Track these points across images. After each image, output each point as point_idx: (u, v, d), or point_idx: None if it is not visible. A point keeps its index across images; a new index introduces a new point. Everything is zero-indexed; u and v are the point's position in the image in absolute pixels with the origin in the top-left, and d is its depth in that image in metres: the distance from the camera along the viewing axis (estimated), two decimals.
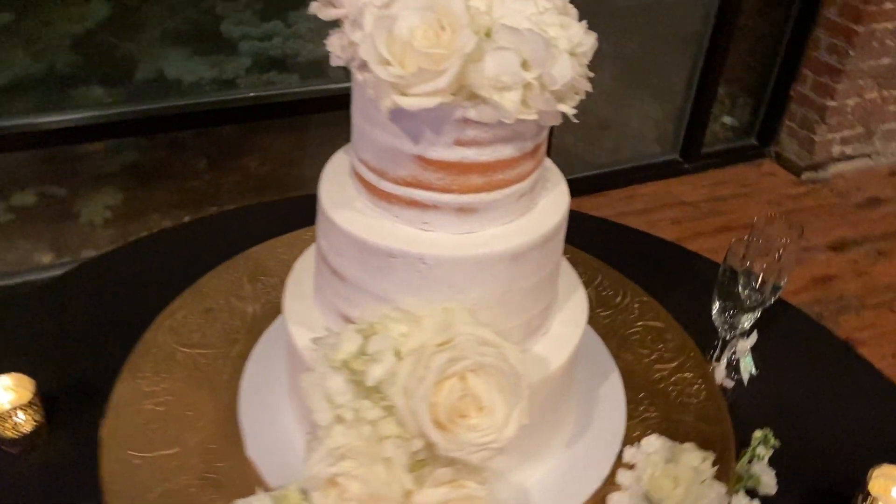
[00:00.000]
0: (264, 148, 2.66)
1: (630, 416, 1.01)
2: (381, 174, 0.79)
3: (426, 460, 0.78)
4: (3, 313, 1.23)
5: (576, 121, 0.77)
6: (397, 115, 0.74)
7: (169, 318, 1.10)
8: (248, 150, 2.65)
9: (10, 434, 0.98)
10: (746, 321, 1.23)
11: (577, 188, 2.82)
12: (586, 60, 0.75)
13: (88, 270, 1.32)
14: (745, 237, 1.22)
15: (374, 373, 0.76)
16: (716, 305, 1.23)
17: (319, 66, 2.47)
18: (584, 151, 2.97)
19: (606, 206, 2.81)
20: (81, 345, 1.14)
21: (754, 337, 1.19)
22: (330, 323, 0.87)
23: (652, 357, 1.11)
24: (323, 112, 2.46)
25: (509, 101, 0.71)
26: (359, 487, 0.77)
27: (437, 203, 0.78)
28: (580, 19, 0.76)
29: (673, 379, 1.07)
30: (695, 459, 0.89)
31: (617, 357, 1.09)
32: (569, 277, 0.98)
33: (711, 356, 1.24)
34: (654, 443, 0.92)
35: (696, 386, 1.06)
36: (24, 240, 2.43)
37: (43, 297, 1.25)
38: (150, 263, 1.30)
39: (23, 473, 0.98)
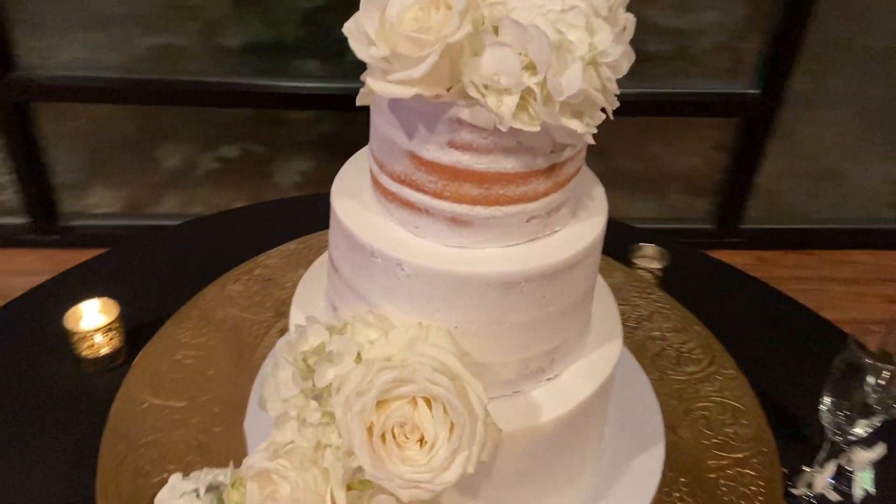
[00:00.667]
0: None
1: (660, 501, 0.87)
2: (381, 166, 0.73)
3: (370, 482, 0.72)
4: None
5: (592, 142, 0.66)
6: (395, 104, 0.68)
7: (232, 280, 1.12)
8: None
9: (87, 354, 1.05)
10: (862, 428, 1.01)
11: (780, 240, 2.55)
12: (614, 74, 0.64)
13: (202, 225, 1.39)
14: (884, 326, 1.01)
15: (326, 374, 0.71)
16: (826, 401, 1.02)
17: None
18: (798, 200, 2.65)
19: (809, 266, 2.50)
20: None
21: (881, 450, 0.99)
22: (325, 314, 0.83)
23: (715, 440, 0.94)
24: None
25: (504, 105, 0.62)
26: (288, 491, 0.72)
27: (428, 208, 0.70)
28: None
29: (730, 472, 0.90)
30: None
31: (672, 430, 0.94)
32: (606, 321, 0.86)
33: (813, 459, 1.04)
34: None
35: (754, 488, 0.89)
36: (227, 189, 2.64)
37: (159, 240, 1.34)
38: (247, 230, 1.34)
39: (95, 395, 1.01)
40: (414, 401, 0.68)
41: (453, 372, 0.69)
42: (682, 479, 0.89)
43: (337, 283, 0.79)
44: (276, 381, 0.73)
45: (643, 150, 2.76)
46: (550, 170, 0.70)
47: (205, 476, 0.81)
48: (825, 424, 1.03)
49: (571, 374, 0.80)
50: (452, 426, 0.68)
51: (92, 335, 1.04)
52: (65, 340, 1.04)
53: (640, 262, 1.33)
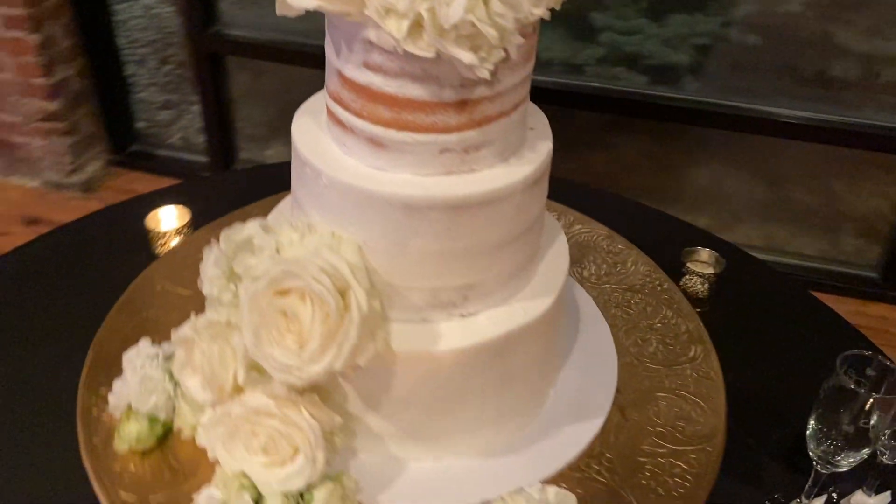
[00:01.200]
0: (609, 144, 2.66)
1: (575, 468, 0.86)
2: (325, 86, 0.80)
3: None
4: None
5: (485, 76, 0.68)
6: (330, 24, 0.75)
7: None
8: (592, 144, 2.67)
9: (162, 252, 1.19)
10: (846, 460, 0.93)
11: None
12: (511, 12, 0.66)
13: None
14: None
15: (244, 261, 0.79)
16: (810, 426, 0.95)
17: (673, 72, 2.37)
18: None
19: None
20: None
21: (886, 497, 0.92)
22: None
23: (660, 429, 0.91)
24: (665, 121, 2.36)
25: (394, 28, 0.66)
26: (200, 359, 0.81)
27: (352, 127, 0.77)
28: None
29: (661, 461, 0.88)
30: None
31: (621, 411, 0.93)
32: (550, 277, 0.87)
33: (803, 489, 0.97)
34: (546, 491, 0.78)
35: (679, 480, 0.85)
36: None
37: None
38: None
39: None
40: (304, 297, 0.75)
41: (342, 277, 0.75)
42: (608, 455, 0.88)
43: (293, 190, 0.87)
44: (207, 262, 0.82)
45: (819, 183, 2.58)
46: (462, 105, 0.73)
47: (168, 347, 0.92)
48: (811, 453, 0.96)
49: (487, 316, 0.82)
50: (327, 324, 0.73)
51: (167, 235, 1.20)
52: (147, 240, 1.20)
53: (693, 267, 1.28)
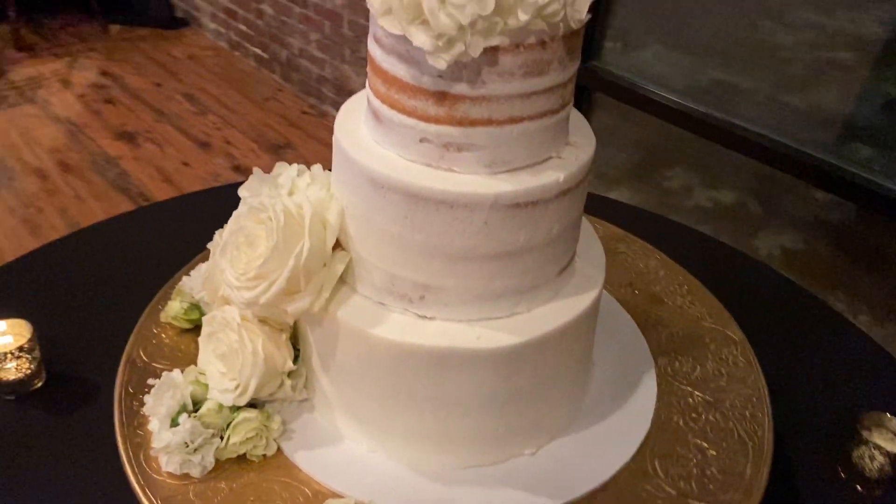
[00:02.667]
0: None
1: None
2: None
3: None
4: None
5: (437, 64, 0.66)
6: None
7: None
8: None
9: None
10: None
11: None
12: (475, 9, 0.63)
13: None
14: None
15: (261, 197, 0.88)
16: None
17: None
18: None
19: None
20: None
21: None
22: None
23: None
24: None
25: (374, 1, 0.69)
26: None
27: (368, 97, 0.80)
28: None
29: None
30: None
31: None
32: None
33: None
34: None
35: None
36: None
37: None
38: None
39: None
40: (261, 229, 0.81)
41: (300, 224, 0.79)
42: None
43: None
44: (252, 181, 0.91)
45: None
46: (441, 96, 0.71)
47: None
48: None
49: (437, 326, 0.79)
50: (268, 260, 0.78)
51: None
52: None
53: (873, 438, 1.02)
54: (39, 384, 1.03)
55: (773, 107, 2.35)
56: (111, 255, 1.30)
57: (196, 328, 0.99)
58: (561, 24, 0.69)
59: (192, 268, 1.08)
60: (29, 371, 1.00)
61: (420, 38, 0.66)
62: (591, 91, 2.68)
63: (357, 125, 0.82)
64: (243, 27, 3.78)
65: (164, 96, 3.57)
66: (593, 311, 0.86)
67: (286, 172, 0.88)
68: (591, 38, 2.59)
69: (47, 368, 1.04)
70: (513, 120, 0.73)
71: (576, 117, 0.85)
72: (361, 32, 3.06)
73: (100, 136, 3.27)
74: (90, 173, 3.05)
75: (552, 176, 0.76)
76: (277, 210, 0.79)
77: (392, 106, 0.75)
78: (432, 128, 0.73)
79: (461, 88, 0.71)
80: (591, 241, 0.93)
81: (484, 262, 0.77)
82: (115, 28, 4.14)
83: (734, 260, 1.42)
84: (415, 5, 0.65)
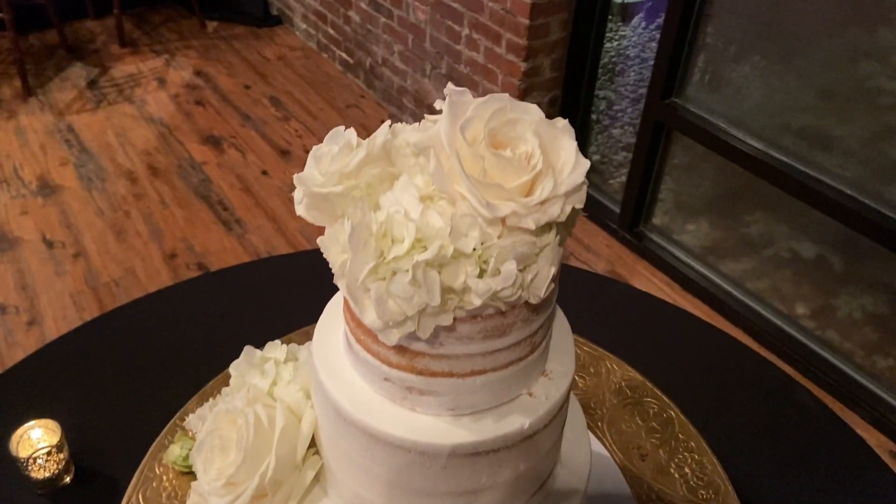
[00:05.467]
0: None
1: None
2: None
3: None
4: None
5: (387, 341, 0.65)
6: None
7: None
8: None
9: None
10: None
11: None
12: (423, 299, 0.62)
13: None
14: None
15: (238, 397, 0.89)
16: None
17: None
18: None
19: None
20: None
21: None
22: None
23: None
24: None
25: (333, 260, 0.68)
26: None
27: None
28: None
29: None
30: None
31: None
32: None
33: None
34: None
35: None
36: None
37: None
38: None
39: None
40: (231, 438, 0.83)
41: (267, 437, 0.80)
42: None
43: None
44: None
45: None
46: (401, 350, 0.70)
47: None
48: None
49: None
50: (236, 472, 0.80)
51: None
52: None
53: None
54: (68, 479, 1.11)
55: (864, 156, 2.19)
56: (141, 338, 1.34)
57: None
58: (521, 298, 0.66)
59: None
60: (58, 470, 1.08)
61: (370, 317, 0.66)
62: (668, 128, 2.59)
63: (328, 344, 0.81)
64: (332, 31, 3.80)
65: (251, 99, 3.66)
66: None
67: (274, 356, 0.89)
68: (673, 74, 2.49)
69: (75, 462, 1.12)
70: (475, 373, 0.71)
71: (560, 335, 0.82)
72: (443, 49, 3.03)
73: (188, 139, 3.38)
74: (175, 178, 3.17)
75: (516, 422, 0.74)
76: (249, 421, 0.80)
77: (359, 341, 0.75)
78: (394, 372, 0.73)
79: (420, 346, 0.70)
80: (578, 436, 0.90)
81: (447, 498, 0.76)
82: (212, 24, 4.25)
83: None
84: (363, 288, 0.64)
